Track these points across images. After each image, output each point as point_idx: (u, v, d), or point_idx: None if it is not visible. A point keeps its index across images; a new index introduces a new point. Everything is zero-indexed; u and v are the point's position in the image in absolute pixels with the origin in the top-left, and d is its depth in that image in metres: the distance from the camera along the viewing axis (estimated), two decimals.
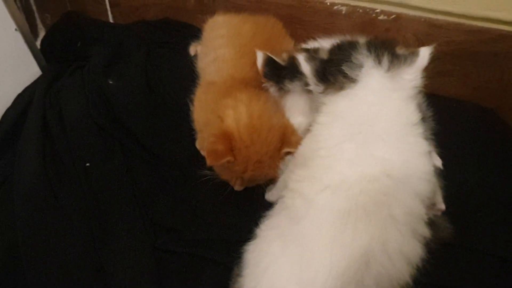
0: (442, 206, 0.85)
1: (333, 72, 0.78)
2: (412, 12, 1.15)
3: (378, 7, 1.17)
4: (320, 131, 0.79)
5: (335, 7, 1.20)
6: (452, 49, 1.14)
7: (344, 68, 0.77)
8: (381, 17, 1.17)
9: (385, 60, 0.76)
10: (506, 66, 1.13)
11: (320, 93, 0.81)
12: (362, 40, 0.83)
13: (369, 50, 0.78)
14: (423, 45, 1.15)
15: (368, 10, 1.18)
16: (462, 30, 1.12)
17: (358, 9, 1.18)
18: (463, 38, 1.12)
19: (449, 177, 0.87)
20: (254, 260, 0.73)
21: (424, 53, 0.77)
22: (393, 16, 1.16)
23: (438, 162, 0.87)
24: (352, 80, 0.76)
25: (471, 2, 1.07)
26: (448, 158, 0.87)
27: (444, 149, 0.87)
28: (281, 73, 0.94)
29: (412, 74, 0.76)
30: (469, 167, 0.96)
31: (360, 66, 0.77)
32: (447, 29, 1.13)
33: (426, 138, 0.76)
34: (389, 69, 0.76)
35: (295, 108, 0.96)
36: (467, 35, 1.12)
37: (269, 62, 0.95)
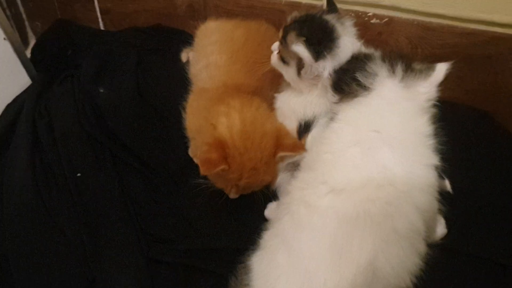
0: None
1: (348, 81, 0.80)
2: (404, 15, 1.15)
3: (371, 11, 1.17)
4: (329, 135, 0.80)
5: None
6: (446, 52, 1.14)
7: (358, 75, 0.78)
8: (373, 21, 1.17)
9: (399, 70, 0.77)
10: (500, 69, 1.12)
11: (335, 103, 0.83)
12: (378, 52, 0.84)
13: (383, 60, 0.79)
14: (416, 48, 1.17)
15: (360, 13, 1.17)
16: (455, 33, 1.12)
17: (350, 13, 1.17)
18: (457, 41, 1.12)
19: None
20: (263, 272, 0.73)
21: (441, 68, 0.77)
22: (386, 19, 1.16)
23: (448, 187, 0.87)
24: (366, 88, 0.78)
25: (464, 4, 1.07)
26: (443, 162, 0.86)
27: (439, 153, 0.87)
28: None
29: (427, 88, 0.77)
30: (464, 170, 0.95)
31: (375, 75, 0.78)
32: (440, 32, 1.13)
33: (436, 151, 0.75)
34: (402, 79, 0.77)
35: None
36: (461, 37, 1.11)
37: None
